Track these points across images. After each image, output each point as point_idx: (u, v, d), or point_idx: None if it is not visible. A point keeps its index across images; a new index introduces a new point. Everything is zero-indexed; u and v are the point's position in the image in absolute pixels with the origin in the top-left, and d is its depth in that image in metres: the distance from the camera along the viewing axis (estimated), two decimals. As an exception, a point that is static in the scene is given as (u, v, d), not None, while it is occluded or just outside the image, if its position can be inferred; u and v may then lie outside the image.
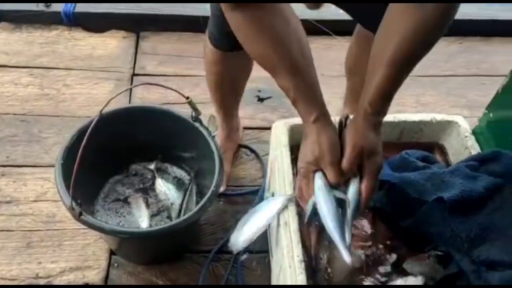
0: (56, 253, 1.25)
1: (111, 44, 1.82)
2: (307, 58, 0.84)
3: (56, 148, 1.47)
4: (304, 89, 0.82)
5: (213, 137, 1.17)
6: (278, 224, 0.93)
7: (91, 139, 1.11)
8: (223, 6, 0.79)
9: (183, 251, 1.28)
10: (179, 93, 1.07)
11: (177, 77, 1.73)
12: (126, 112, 1.25)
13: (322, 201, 0.80)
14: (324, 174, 0.82)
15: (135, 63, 1.77)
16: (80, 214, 0.98)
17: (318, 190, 0.81)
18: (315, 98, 0.84)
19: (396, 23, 0.78)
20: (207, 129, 1.18)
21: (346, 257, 0.77)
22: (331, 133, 0.82)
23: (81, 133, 1.13)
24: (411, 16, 0.75)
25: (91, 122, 1.11)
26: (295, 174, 0.93)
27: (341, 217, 0.81)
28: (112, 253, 1.27)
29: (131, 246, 1.20)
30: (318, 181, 0.82)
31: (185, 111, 1.20)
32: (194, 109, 1.13)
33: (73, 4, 1.84)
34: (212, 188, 1.06)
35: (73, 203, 0.98)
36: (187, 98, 1.09)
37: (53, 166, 1.40)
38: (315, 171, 0.82)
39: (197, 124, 1.18)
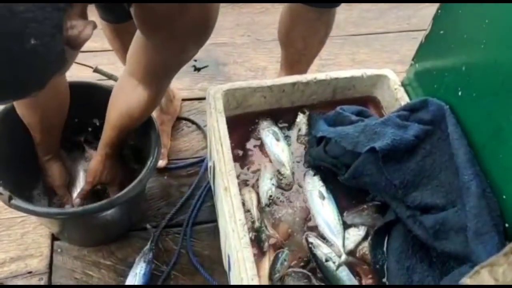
0: (-7, 245, 1.20)
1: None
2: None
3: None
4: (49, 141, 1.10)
5: None
6: (220, 191, 0.93)
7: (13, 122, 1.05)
8: None
9: (130, 229, 1.25)
10: (83, 64, 1.02)
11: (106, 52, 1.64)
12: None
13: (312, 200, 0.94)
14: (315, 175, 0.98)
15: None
16: (10, 198, 0.93)
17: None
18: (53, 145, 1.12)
19: None
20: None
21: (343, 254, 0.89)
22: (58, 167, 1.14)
23: (4, 114, 1.06)
24: None
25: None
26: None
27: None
28: (54, 238, 1.22)
29: (72, 228, 1.15)
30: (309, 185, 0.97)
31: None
32: (105, 74, 1.08)
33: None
34: (148, 162, 1.03)
35: (0, 188, 0.93)
36: (92, 67, 1.04)
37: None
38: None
39: None
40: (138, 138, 1.16)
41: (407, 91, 1.03)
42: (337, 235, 0.91)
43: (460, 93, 0.86)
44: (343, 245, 0.91)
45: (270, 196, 0.96)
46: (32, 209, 0.95)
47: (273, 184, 0.98)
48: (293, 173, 1.00)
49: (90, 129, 1.26)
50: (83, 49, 0.66)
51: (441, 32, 0.91)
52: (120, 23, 1.20)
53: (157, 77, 0.95)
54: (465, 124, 0.85)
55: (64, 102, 1.08)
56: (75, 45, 0.62)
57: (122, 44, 1.23)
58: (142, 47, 0.89)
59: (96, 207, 0.96)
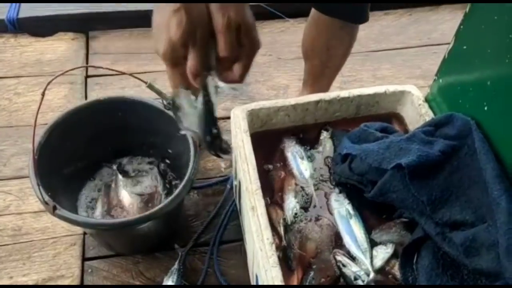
0: (26, 266, 1.22)
1: (60, 47, 1.77)
2: None
3: (14, 160, 1.43)
4: None
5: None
6: (246, 211, 0.93)
7: (64, 136, 1.08)
8: None
9: (167, 241, 1.28)
10: (138, 78, 1.05)
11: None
12: (96, 105, 1.20)
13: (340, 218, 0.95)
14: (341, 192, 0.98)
15: (87, 64, 1.73)
16: (54, 208, 0.96)
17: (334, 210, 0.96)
18: None
19: None
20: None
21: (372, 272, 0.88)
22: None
23: (54, 128, 1.11)
24: None
25: (64, 114, 1.11)
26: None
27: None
28: (84, 259, 1.24)
29: (109, 236, 1.20)
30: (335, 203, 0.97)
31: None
32: (157, 92, 1.10)
33: (16, 9, 1.77)
34: (188, 174, 1.05)
35: (47, 198, 0.97)
36: (146, 82, 1.07)
37: (13, 178, 1.39)
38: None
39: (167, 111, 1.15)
40: (176, 153, 1.19)
41: (431, 107, 1.03)
42: (365, 253, 0.91)
43: (486, 108, 0.85)
44: (371, 263, 0.90)
45: (296, 214, 0.97)
46: (75, 219, 0.98)
47: (297, 202, 0.99)
48: (317, 189, 1.01)
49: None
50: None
51: (464, 47, 0.90)
52: None
53: None
54: (492, 139, 0.84)
55: None
56: None
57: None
58: None
59: (133, 220, 1.00)
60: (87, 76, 1.69)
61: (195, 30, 0.57)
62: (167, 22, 0.57)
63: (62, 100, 1.60)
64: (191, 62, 0.59)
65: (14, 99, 1.60)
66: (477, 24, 0.86)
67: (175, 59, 0.60)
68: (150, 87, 1.09)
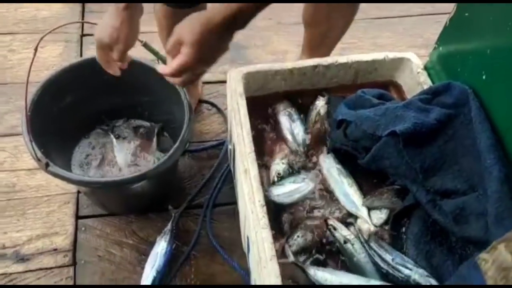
0: (20, 222, 1.23)
1: (56, 5, 1.73)
2: None
3: (8, 117, 1.42)
4: None
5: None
6: (239, 173, 0.94)
7: (57, 94, 1.07)
8: None
9: (161, 202, 1.28)
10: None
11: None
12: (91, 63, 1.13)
13: (331, 178, 0.96)
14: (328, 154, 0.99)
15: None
16: (47, 165, 0.96)
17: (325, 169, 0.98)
18: None
19: None
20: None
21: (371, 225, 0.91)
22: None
23: (47, 85, 1.10)
24: None
25: (58, 72, 1.12)
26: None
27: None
28: (78, 217, 1.25)
29: (103, 195, 1.21)
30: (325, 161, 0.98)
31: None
32: (152, 51, 1.08)
33: (11, -36, 1.72)
34: (182, 134, 1.04)
35: (40, 154, 0.96)
36: (142, 41, 1.05)
37: (7, 135, 1.38)
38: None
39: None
40: (172, 116, 1.18)
41: (429, 75, 1.02)
42: (361, 208, 0.92)
43: (484, 77, 0.84)
44: (369, 216, 0.91)
45: (279, 174, 0.98)
46: (68, 177, 0.98)
47: (283, 163, 0.99)
48: (308, 153, 1.02)
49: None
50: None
51: (466, 14, 0.89)
52: (188, 8, 1.11)
53: None
54: (488, 108, 0.84)
55: None
56: None
57: None
58: None
59: (127, 179, 1.00)
60: (82, 35, 1.66)
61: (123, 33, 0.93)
62: (112, 12, 0.91)
63: (57, 58, 1.58)
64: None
65: (9, 56, 1.58)
66: (481, -9, 0.84)
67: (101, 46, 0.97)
68: (146, 46, 1.07)
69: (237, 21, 0.75)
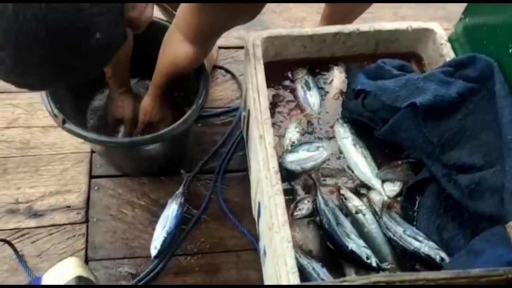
0: (34, 179, 1.25)
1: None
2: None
3: (23, 74, 1.42)
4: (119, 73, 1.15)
5: None
6: (254, 139, 0.93)
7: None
8: None
9: (173, 165, 1.29)
10: None
11: None
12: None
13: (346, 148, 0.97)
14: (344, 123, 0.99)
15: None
16: (64, 121, 0.96)
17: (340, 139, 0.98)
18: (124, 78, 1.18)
19: None
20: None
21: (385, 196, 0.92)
22: (130, 100, 1.20)
23: None
24: None
25: None
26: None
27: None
28: (91, 177, 1.27)
29: (118, 156, 1.22)
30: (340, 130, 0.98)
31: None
32: (166, 10, 1.07)
33: None
34: (195, 102, 1.03)
35: (57, 111, 0.96)
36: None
37: (21, 91, 1.37)
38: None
39: None
40: (188, 83, 1.17)
41: (453, 47, 0.99)
42: (374, 179, 0.92)
43: (511, 51, 0.82)
44: (382, 187, 0.91)
45: (293, 142, 0.97)
46: (85, 135, 0.98)
47: (297, 132, 0.99)
48: (323, 122, 1.02)
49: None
50: None
51: (497, -16, 0.86)
52: None
53: (203, 37, 0.94)
54: (513, 83, 0.82)
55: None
56: (137, 26, 0.63)
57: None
58: (193, 7, 0.86)
59: (142, 139, 1.01)
60: None
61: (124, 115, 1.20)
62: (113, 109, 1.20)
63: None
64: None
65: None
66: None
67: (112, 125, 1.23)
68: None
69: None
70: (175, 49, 0.97)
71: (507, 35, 0.83)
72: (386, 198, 0.91)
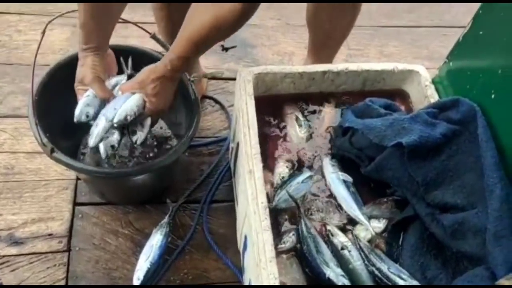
0: (17, 205, 1.23)
1: (66, -12, 1.72)
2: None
3: (11, 98, 1.42)
4: (92, 26, 0.99)
5: (192, 81, 1.12)
6: (243, 173, 0.94)
7: (68, 80, 1.06)
8: None
9: (159, 195, 1.28)
10: (142, 28, 1.03)
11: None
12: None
13: (334, 183, 0.97)
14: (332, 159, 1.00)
15: (92, 8, 1.69)
16: (52, 150, 0.96)
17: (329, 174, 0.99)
18: (94, 35, 1.00)
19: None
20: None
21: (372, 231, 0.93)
22: (93, 58, 1.00)
23: (57, 68, 1.10)
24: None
25: (68, 58, 1.10)
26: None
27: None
28: (75, 204, 1.25)
29: (103, 184, 1.21)
30: (329, 166, 0.99)
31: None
32: (161, 43, 1.09)
33: None
34: (186, 134, 1.04)
35: (45, 140, 0.96)
36: (151, 33, 1.05)
37: (8, 116, 1.38)
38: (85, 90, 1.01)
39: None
40: (175, 111, 1.18)
41: (437, 89, 1.03)
42: (361, 214, 0.93)
43: (493, 96, 0.85)
44: (369, 222, 0.93)
45: (282, 177, 0.98)
46: (72, 164, 0.97)
47: (287, 167, 1.00)
48: (312, 158, 1.03)
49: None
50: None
51: (480, 32, 0.89)
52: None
53: None
54: (495, 127, 0.85)
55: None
56: None
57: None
58: None
59: (129, 171, 1.01)
60: (90, 21, 1.65)
61: (84, 76, 1.00)
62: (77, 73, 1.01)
63: (64, 42, 1.57)
64: None
65: (15, 36, 1.57)
66: (497, 11, 0.85)
67: (79, 92, 1.02)
68: (154, 37, 1.07)
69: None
70: (215, 7, 0.84)
71: (489, 80, 0.87)
72: (373, 233, 0.92)
